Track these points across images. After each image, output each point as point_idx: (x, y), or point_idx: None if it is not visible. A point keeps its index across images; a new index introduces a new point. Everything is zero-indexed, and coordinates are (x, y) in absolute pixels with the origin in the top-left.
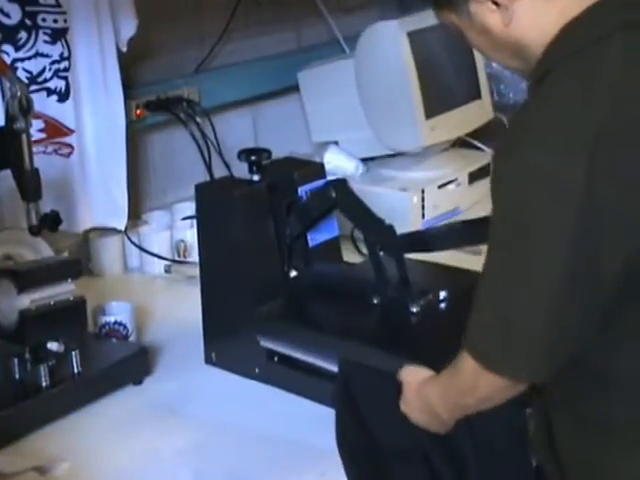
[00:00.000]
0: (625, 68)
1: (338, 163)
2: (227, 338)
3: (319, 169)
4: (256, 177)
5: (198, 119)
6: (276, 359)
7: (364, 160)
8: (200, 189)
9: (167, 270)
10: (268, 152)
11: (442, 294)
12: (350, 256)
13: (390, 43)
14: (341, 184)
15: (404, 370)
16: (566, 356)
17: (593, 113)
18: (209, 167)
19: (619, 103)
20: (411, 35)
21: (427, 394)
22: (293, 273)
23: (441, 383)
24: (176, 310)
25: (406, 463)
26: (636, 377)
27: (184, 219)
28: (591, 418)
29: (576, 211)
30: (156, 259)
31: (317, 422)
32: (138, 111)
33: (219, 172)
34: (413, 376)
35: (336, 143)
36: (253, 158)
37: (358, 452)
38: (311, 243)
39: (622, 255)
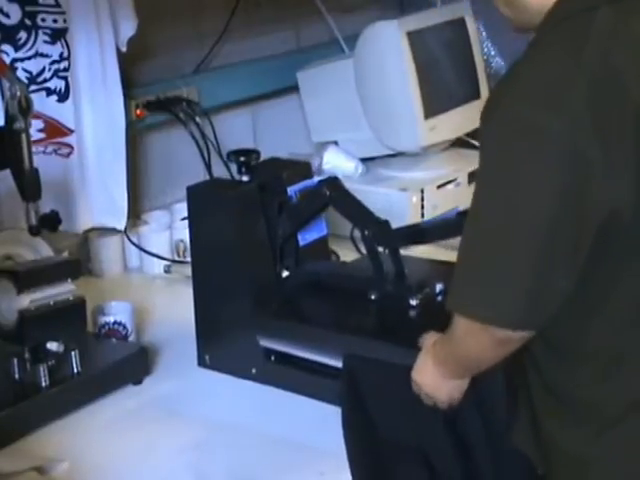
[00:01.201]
0: (611, 33)
1: (337, 163)
2: (221, 340)
3: (307, 169)
4: (245, 178)
5: (198, 119)
6: (273, 358)
7: (363, 160)
8: (191, 191)
9: (167, 270)
10: (257, 153)
11: (438, 287)
12: (351, 255)
13: (389, 43)
14: (334, 182)
15: (424, 336)
16: (552, 308)
17: (579, 72)
18: (209, 167)
19: (605, 64)
20: (410, 35)
21: (438, 349)
22: (285, 273)
23: (447, 339)
24: (176, 310)
25: (410, 460)
26: (601, 353)
27: (184, 219)
28: (560, 394)
29: (560, 163)
30: (156, 259)
31: (316, 421)
32: (138, 111)
33: (218, 172)
34: (430, 339)
35: (336, 143)
36: (242, 159)
37: (365, 448)
38: (301, 242)
39: (602, 211)
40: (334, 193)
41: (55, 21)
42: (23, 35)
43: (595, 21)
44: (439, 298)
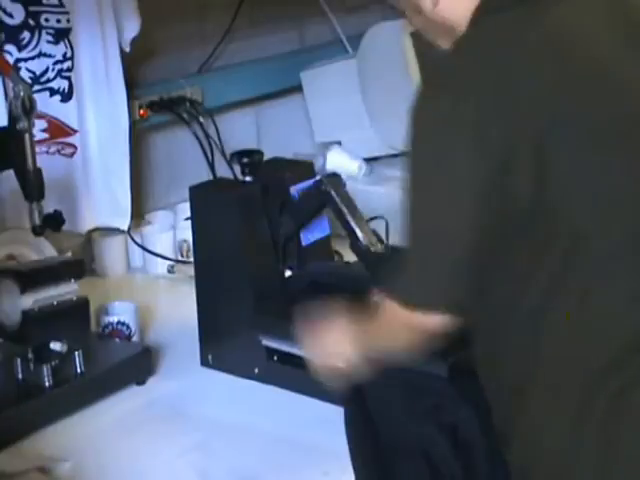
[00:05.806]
0: (517, 31)
1: (341, 163)
2: (224, 340)
3: (309, 169)
4: (249, 178)
5: (201, 119)
6: (276, 358)
7: (367, 160)
8: (194, 191)
9: (170, 270)
10: (260, 153)
11: None
12: (353, 256)
13: (393, 43)
14: (333, 178)
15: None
16: (472, 287)
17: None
18: (212, 167)
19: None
20: (414, 35)
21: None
22: (287, 273)
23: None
24: (179, 310)
25: (413, 461)
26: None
27: (187, 219)
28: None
29: (474, 147)
30: (159, 259)
31: (319, 421)
32: (141, 111)
33: (222, 172)
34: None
35: (339, 143)
36: (245, 160)
37: (368, 449)
38: (304, 242)
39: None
40: (331, 187)
41: (59, 21)
42: (26, 35)
43: (504, 25)
44: None
